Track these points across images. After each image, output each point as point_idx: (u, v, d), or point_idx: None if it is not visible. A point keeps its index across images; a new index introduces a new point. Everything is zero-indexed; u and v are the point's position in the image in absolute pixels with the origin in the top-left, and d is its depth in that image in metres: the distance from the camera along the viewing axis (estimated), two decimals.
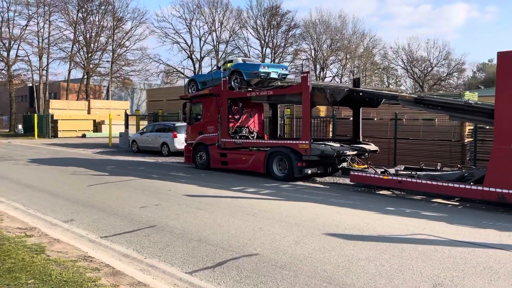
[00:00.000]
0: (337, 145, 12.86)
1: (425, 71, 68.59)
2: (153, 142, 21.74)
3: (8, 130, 46.22)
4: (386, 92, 13.30)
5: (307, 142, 12.25)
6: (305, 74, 12.22)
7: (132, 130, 27.29)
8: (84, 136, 37.81)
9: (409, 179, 10.17)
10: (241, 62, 15.48)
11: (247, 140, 14.62)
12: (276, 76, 14.84)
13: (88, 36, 50.12)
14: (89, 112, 41.78)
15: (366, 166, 12.33)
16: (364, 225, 7.48)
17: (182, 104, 17.02)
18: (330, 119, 18.49)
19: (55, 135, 37.03)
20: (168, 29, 67.40)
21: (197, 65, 60.94)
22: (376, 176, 10.79)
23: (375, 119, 16.63)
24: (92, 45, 50.30)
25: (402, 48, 66.77)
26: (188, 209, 8.77)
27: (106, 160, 19.15)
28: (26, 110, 57.64)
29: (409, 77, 69.98)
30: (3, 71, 45.02)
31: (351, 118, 14.38)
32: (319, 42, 60.01)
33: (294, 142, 12.83)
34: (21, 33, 44.92)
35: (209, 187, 11.57)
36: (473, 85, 62.57)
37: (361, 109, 13.74)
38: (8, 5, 44.37)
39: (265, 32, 60.51)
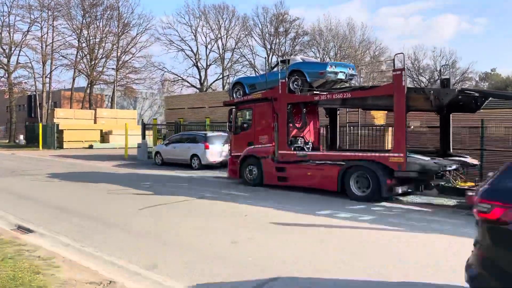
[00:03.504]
0: (427, 158, 10.73)
1: (431, 80, 67.29)
2: (181, 154, 19.49)
3: (7, 141, 43.65)
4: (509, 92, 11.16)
5: (401, 155, 10.12)
6: (399, 72, 10.13)
7: (149, 140, 25.05)
8: (91, 147, 35.43)
9: None
10: (301, 61, 13.41)
11: (314, 152, 12.48)
12: (343, 77, 12.77)
13: (92, 42, 47.92)
14: (95, 122, 39.47)
15: (473, 183, 10.22)
16: None
17: (228, 111, 14.83)
18: (387, 128, 16.46)
19: (61, 146, 34.62)
20: (173, 36, 65.41)
21: (202, 73, 58.98)
22: None
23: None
24: (96, 51, 48.08)
25: (408, 56, 65.40)
26: (303, 245, 6.58)
27: (133, 174, 16.88)
28: (25, 119, 55.06)
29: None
30: (2, 78, 42.63)
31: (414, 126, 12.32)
32: (326, 50, 58.48)
33: (382, 154, 10.68)
34: (22, 38, 42.68)
35: (286, 211, 9.38)
36: None
37: (451, 115, 11.68)
38: (9, 9, 42.18)
39: (272, 39, 58.95)
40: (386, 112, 17.23)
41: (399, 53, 10.18)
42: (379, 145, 15.99)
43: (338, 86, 13.24)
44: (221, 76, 58.73)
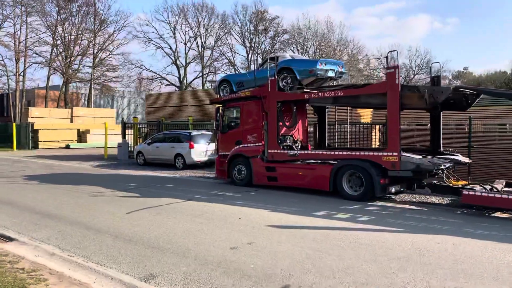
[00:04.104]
0: (419, 156, 10.59)
1: (407, 78, 68.20)
2: (165, 153, 18.95)
3: None
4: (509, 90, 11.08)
5: (395, 153, 9.94)
6: (392, 70, 9.95)
7: (129, 140, 24.35)
8: (68, 147, 34.33)
9: None
10: (290, 58, 13.11)
11: (306, 152, 12.21)
12: (333, 75, 12.55)
13: (68, 39, 46.49)
14: (71, 121, 38.31)
15: (466, 182, 10.14)
16: None
17: (215, 109, 14.42)
18: (374, 126, 16.35)
19: (36, 146, 33.40)
20: (152, 33, 64.19)
21: (182, 71, 58.14)
22: (504, 197, 8.54)
23: (429, 125, 14.54)
24: (72, 49, 46.68)
25: (375, 57, 65.98)
26: (306, 250, 6.27)
27: (116, 175, 16.28)
28: None
29: None
30: None
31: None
32: (305, 49, 58.46)
33: (376, 153, 10.47)
34: None
35: (281, 212, 9.08)
36: None
37: (441, 113, 11.57)
38: None
39: (251, 37, 58.65)
40: (372, 110, 17.18)
41: (392, 50, 10.00)
42: (366, 143, 15.87)
43: (328, 84, 13.02)
44: (200, 74, 58.09)
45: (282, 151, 12.23)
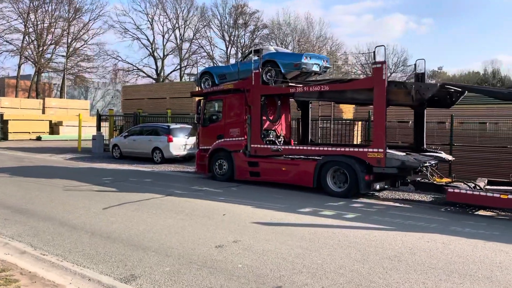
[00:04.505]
0: (403, 153, 10.50)
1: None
2: (142, 147, 18.41)
3: None
4: (501, 89, 11.05)
5: (381, 150, 9.82)
6: (379, 65, 9.80)
7: (104, 132, 23.63)
8: (39, 139, 33.09)
9: None
10: (274, 51, 12.83)
11: (290, 147, 11.99)
12: (317, 69, 12.35)
13: (40, 27, 44.86)
14: (43, 112, 36.96)
15: (450, 179, 10.12)
16: None
17: (196, 102, 14.01)
18: (356, 122, 16.28)
19: (5, 138, 32.04)
20: (128, 23, 62.73)
21: (159, 63, 57.06)
22: (488, 195, 8.51)
23: (410, 122, 14.56)
24: (44, 37, 45.09)
25: (362, 53, 66.55)
26: (294, 249, 6.03)
27: (91, 168, 15.68)
28: None
29: None
30: None
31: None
32: (284, 44, 58.32)
33: (361, 150, 10.33)
34: None
35: (266, 209, 8.81)
36: None
37: (425, 110, 11.53)
38: None
39: (231, 31, 58.15)
40: (354, 106, 17.11)
41: (379, 45, 9.87)
42: (348, 139, 15.79)
43: (312, 79, 12.81)
44: (178, 67, 57.19)
45: (265, 146, 11.97)
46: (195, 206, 8.90)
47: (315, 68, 12.23)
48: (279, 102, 12.41)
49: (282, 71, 12.00)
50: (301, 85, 11.51)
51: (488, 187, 9.82)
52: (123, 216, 7.87)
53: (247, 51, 57.56)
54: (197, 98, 14.30)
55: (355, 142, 15.95)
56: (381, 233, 7.02)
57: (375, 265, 5.39)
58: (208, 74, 13.99)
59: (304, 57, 11.92)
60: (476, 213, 8.99)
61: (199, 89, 14.11)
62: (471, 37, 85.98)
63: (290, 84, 11.76)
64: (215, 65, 51.52)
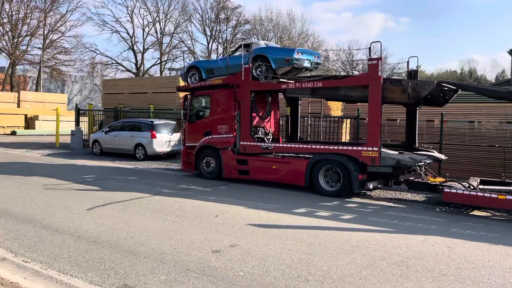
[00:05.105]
0: (395, 152, 10.32)
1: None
2: (124, 143, 17.79)
3: None
4: (501, 88, 10.89)
5: (375, 149, 9.60)
6: (375, 61, 9.57)
7: (83, 128, 22.83)
8: (14, 133, 31.90)
9: None
10: (264, 46, 12.48)
11: (281, 144, 11.68)
12: (308, 65, 12.06)
13: (15, 18, 43.26)
14: (18, 106, 35.66)
15: (444, 179, 9.98)
16: None
17: (183, 97, 13.53)
18: (344, 120, 16.09)
19: None
20: (107, 16, 61.44)
21: (139, 57, 55.89)
22: (486, 195, 8.36)
23: (398, 120, 14.46)
24: (20, 28, 43.50)
25: (343, 50, 66.82)
26: (296, 254, 5.71)
27: (70, 165, 15.02)
28: None
29: None
30: None
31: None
32: (266, 40, 58.00)
33: (355, 148, 10.08)
34: None
35: (259, 209, 8.47)
36: None
37: (417, 109, 11.37)
38: None
39: (212, 26, 57.43)
40: (342, 103, 16.90)
41: (375, 41, 9.63)
42: (336, 137, 15.59)
43: (303, 75, 12.53)
44: (159, 61, 56.14)
45: (255, 144, 11.62)
46: (185, 207, 8.48)
47: (306, 64, 11.94)
48: (270, 98, 12.07)
49: (273, 66, 11.68)
50: (293, 81, 11.19)
51: (481, 186, 9.73)
52: (110, 218, 7.40)
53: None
54: (183, 93, 13.82)
55: (343, 140, 15.78)
56: (382, 235, 6.77)
57: (383, 272, 5.12)
58: (195, 68, 13.54)
59: (296, 53, 11.60)
60: (471, 213, 8.87)
61: (186, 83, 13.62)
62: (447, 37, 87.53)
63: (281, 80, 11.42)
64: (196, 59, 50.79)
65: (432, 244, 6.28)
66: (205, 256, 5.53)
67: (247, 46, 12.38)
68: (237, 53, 12.86)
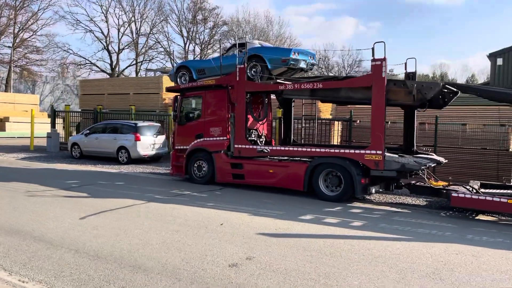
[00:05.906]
0: (396, 155, 10.08)
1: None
2: (106, 146, 16.99)
3: None
4: (507, 90, 10.72)
5: (379, 152, 9.32)
6: (379, 62, 9.28)
7: (58, 130, 21.79)
8: None
9: None
10: (259, 45, 12.07)
11: (279, 148, 11.28)
12: (304, 66, 11.73)
13: None
14: None
15: (446, 183, 9.80)
16: None
17: (173, 98, 12.94)
18: (335, 122, 15.86)
19: None
20: (81, 15, 59.69)
21: (114, 58, 54.46)
22: (495, 200, 8.16)
23: (389, 123, 14.30)
24: None
25: (318, 54, 67.19)
26: (318, 265, 5.30)
27: (50, 170, 14.17)
28: None
29: None
30: None
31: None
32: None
33: (357, 151, 9.76)
34: None
35: (263, 216, 8.04)
36: None
37: (415, 111, 11.18)
38: None
39: (189, 26, 56.63)
40: (332, 105, 16.67)
41: (379, 41, 9.34)
42: (327, 139, 15.34)
43: (298, 76, 12.19)
44: (134, 62, 54.87)
45: (250, 147, 11.17)
46: (185, 214, 7.95)
47: (303, 65, 11.61)
48: (266, 100, 11.65)
49: (269, 67, 11.28)
50: (290, 82, 10.81)
51: (482, 190, 9.60)
52: (107, 228, 6.81)
53: (201, 49, 56.36)
54: (172, 94, 13.24)
55: (334, 142, 15.53)
56: (402, 244, 6.44)
57: (418, 286, 4.77)
58: (185, 68, 12.99)
59: (293, 53, 11.26)
60: (477, 218, 8.70)
61: (176, 84, 13.04)
62: (418, 40, 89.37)
63: (278, 81, 11.03)
64: (173, 61, 49.80)
65: (456, 253, 5.99)
66: (223, 271, 5.05)
67: (241, 45, 11.93)
68: (229, 53, 12.38)
